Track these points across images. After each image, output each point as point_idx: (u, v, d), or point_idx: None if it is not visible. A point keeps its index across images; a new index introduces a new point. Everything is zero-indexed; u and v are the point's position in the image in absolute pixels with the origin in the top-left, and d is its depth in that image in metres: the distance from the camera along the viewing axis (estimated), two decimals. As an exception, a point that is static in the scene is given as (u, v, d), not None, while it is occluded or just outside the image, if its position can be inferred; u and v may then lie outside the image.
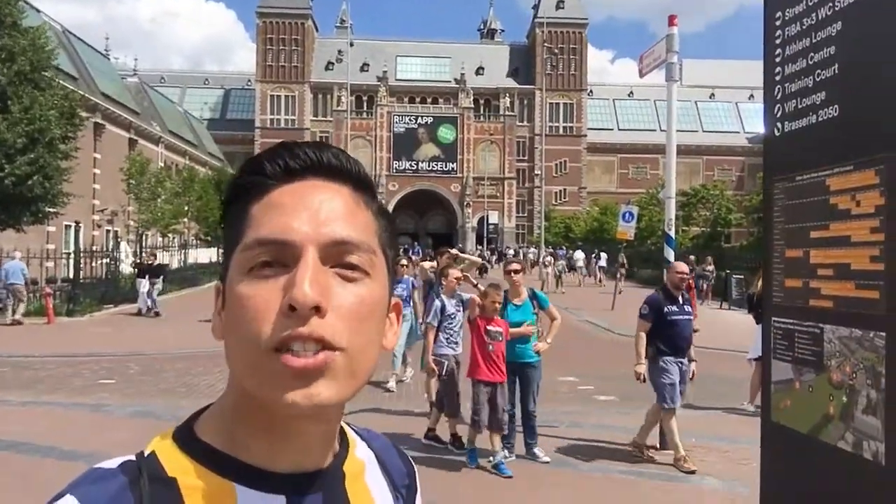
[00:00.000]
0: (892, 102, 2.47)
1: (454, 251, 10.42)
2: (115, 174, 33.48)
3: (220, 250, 0.70)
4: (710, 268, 27.92)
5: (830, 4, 2.89)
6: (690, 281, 9.24)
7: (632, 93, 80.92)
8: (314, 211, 0.70)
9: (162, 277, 21.70)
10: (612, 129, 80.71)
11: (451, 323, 7.50)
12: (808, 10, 2.99)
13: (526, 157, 75.62)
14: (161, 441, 0.73)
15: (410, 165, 71.27)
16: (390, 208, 68.75)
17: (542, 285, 29.32)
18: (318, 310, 0.65)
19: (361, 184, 0.75)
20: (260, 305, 0.66)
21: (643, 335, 6.97)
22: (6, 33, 19.54)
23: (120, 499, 0.66)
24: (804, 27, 3.05)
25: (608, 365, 12.64)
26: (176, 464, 0.70)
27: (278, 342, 0.65)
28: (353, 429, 0.86)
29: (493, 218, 69.91)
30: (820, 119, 2.95)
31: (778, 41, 3.38)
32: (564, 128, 78.33)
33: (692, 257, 26.33)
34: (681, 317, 6.99)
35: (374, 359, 0.72)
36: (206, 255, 36.52)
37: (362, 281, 0.70)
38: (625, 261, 33.66)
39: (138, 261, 21.88)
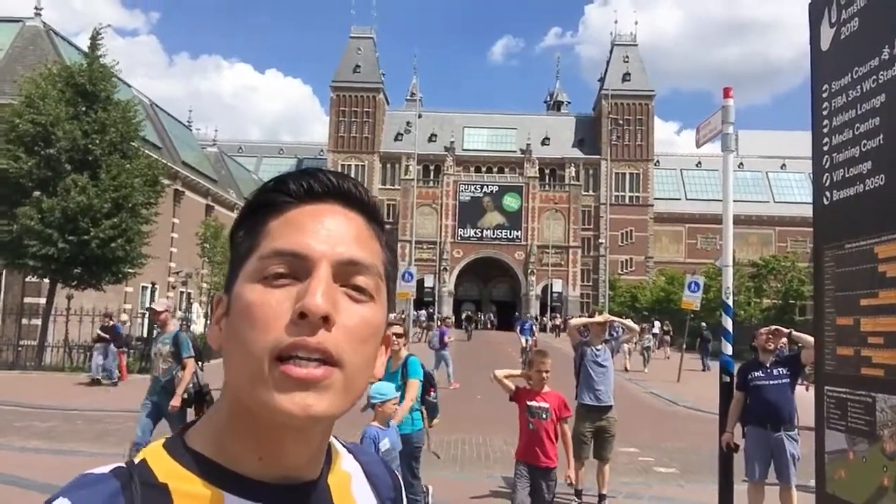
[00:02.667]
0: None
1: (606, 316, 8.88)
2: (191, 238, 34.50)
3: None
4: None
5: (874, 77, 2.92)
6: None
7: (700, 163, 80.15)
8: (330, 231, 0.74)
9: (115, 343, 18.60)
10: (679, 199, 79.74)
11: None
12: (853, 82, 3.04)
13: (591, 226, 75.23)
14: (152, 450, 0.75)
15: (475, 233, 71.70)
16: (454, 275, 66.96)
17: (625, 364, 25.50)
18: (326, 321, 0.68)
19: (374, 216, 0.80)
20: (269, 312, 0.69)
21: (734, 403, 6.50)
22: (101, 107, 20.81)
23: (113, 502, 0.68)
24: (850, 99, 3.09)
25: (671, 437, 12.38)
26: (166, 471, 0.72)
27: (284, 349, 0.68)
28: (340, 442, 0.88)
29: (557, 286, 69.30)
30: (867, 188, 2.96)
31: (825, 112, 3.42)
32: (631, 197, 77.80)
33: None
34: (765, 382, 6.45)
35: (366, 382, 0.75)
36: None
37: (368, 304, 0.74)
38: (670, 328, 33.48)
39: (102, 325, 19.03)
